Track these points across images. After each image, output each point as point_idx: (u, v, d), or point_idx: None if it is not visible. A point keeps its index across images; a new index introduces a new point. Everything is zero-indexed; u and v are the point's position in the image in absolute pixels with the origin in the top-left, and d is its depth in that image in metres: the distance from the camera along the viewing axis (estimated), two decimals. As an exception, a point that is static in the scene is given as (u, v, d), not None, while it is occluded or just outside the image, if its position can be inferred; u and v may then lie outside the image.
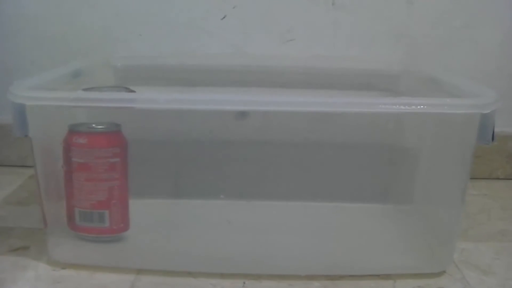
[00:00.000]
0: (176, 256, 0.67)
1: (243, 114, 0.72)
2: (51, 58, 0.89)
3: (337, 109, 0.57)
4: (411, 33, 0.89)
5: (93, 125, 0.67)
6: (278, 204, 0.80)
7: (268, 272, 0.63)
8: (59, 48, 0.89)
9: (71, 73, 0.73)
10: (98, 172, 0.65)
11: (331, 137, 0.77)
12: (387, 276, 0.63)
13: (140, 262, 0.65)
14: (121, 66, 0.85)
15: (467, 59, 0.90)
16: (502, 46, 0.90)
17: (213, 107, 0.58)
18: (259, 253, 0.67)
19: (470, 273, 0.64)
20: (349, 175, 0.78)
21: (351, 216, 0.77)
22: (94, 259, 0.66)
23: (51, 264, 0.64)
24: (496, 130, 0.59)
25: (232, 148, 0.78)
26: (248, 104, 0.59)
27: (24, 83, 0.61)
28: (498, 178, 0.95)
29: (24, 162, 0.94)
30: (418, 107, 0.57)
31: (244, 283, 0.62)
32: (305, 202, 0.80)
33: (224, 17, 0.89)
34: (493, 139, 0.58)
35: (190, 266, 0.64)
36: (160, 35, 0.90)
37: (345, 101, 0.58)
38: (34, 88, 0.61)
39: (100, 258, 0.66)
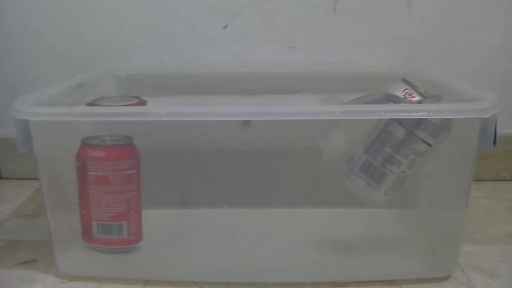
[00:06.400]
0: (182, 266, 0.67)
1: (246, 123, 0.73)
2: (55, 72, 0.90)
3: (338, 117, 0.57)
4: (412, 37, 0.89)
5: (107, 137, 0.68)
6: (283, 211, 0.80)
7: (274, 281, 0.63)
8: (63, 62, 0.90)
9: (74, 87, 0.73)
10: (116, 185, 0.66)
11: (334, 144, 0.77)
12: (392, 282, 0.63)
13: (147, 273, 0.65)
14: (124, 75, 0.86)
15: (469, 62, 0.90)
16: (504, 47, 0.90)
17: (215, 119, 0.59)
18: (264, 262, 0.68)
19: (475, 276, 0.64)
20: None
21: (355, 222, 0.77)
22: (101, 271, 0.66)
23: (59, 277, 0.65)
24: (501, 131, 0.59)
25: (236, 157, 0.78)
26: (249, 115, 0.60)
27: (27, 99, 0.61)
28: (504, 180, 0.94)
29: (31, 174, 0.94)
30: (419, 113, 0.58)
31: (250, 292, 0.62)
32: (310, 209, 0.80)
33: (225, 27, 0.89)
34: (495, 143, 0.58)
35: (197, 276, 0.64)
36: (163, 46, 0.90)
37: (346, 109, 0.59)
38: (37, 103, 0.61)
39: (107, 270, 0.67)
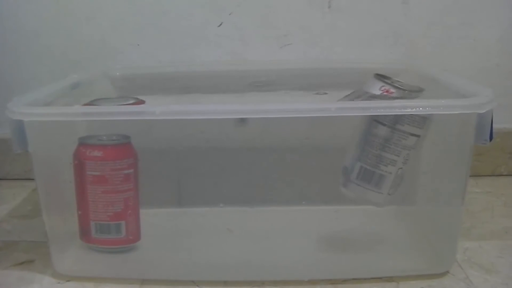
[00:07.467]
0: (179, 265, 0.67)
1: (242, 121, 0.72)
2: (51, 72, 0.90)
3: (334, 114, 0.57)
4: (408, 33, 0.89)
5: (104, 137, 0.68)
6: (280, 209, 0.80)
7: (271, 278, 0.63)
8: (59, 62, 0.90)
9: (70, 86, 0.73)
10: (114, 184, 0.66)
11: (331, 141, 0.77)
12: (390, 279, 0.63)
13: (144, 273, 0.65)
14: (120, 75, 0.86)
15: (466, 57, 0.90)
16: (500, 42, 0.90)
17: (211, 117, 0.59)
18: (262, 259, 0.68)
19: (473, 272, 0.64)
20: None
21: (352, 219, 0.77)
22: (98, 271, 0.66)
23: (56, 277, 0.65)
24: (498, 126, 0.59)
25: (232, 155, 0.78)
26: (244, 113, 0.60)
27: (21, 99, 0.61)
28: (501, 175, 0.94)
29: (28, 175, 0.94)
30: (414, 109, 0.58)
31: (247, 290, 0.62)
32: (306, 207, 0.80)
33: (220, 24, 0.89)
34: (491, 138, 0.58)
35: (194, 274, 0.64)
36: (158, 44, 0.90)
37: (341, 106, 0.59)
38: (32, 103, 0.61)
39: (104, 269, 0.67)
